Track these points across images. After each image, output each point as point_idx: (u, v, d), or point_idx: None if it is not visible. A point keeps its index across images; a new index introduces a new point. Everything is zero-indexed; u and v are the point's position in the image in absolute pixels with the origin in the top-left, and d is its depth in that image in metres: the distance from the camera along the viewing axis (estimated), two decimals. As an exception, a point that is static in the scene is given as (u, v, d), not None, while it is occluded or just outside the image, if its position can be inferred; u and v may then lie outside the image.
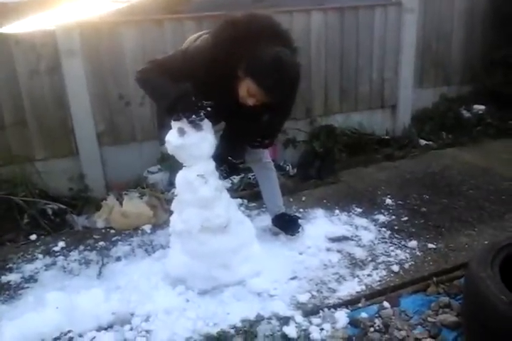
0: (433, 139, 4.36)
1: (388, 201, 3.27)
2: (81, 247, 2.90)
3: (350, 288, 2.37)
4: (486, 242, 2.68)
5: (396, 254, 2.65)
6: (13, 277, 2.62)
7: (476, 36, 4.83)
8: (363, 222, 3.01)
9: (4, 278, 2.62)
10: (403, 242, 2.77)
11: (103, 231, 3.09)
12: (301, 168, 3.86)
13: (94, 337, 2.07)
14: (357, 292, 2.34)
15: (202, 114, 2.13)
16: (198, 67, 2.10)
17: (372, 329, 2.09)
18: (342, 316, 2.16)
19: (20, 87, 3.16)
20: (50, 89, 3.24)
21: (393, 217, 3.07)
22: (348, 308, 2.24)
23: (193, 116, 2.12)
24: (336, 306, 2.25)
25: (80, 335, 2.08)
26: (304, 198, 3.39)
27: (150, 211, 3.13)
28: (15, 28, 4.33)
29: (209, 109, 2.12)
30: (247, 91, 2.11)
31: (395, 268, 2.51)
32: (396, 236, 2.85)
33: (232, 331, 2.10)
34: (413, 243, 2.74)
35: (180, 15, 3.52)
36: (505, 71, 4.66)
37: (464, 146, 4.24)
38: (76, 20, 3.25)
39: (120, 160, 3.49)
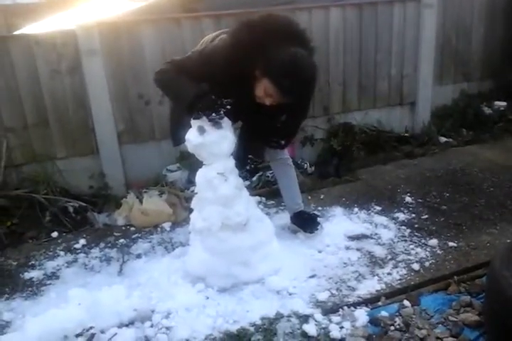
0: (453, 136, 4.31)
1: (408, 199, 3.24)
2: (102, 244, 2.94)
3: (369, 286, 2.36)
4: (508, 240, 2.63)
5: (416, 253, 2.63)
6: (35, 274, 2.68)
7: (496, 31, 4.75)
8: (382, 220, 2.99)
9: (27, 275, 2.67)
10: (423, 240, 2.74)
11: (123, 228, 3.13)
12: (320, 166, 3.85)
13: (115, 334, 2.09)
14: (377, 290, 2.33)
15: (222, 112, 2.14)
16: (216, 66, 2.11)
17: (392, 327, 2.08)
18: (362, 314, 2.15)
19: (42, 86, 3.21)
20: (71, 89, 3.28)
21: (413, 215, 3.05)
22: (367, 307, 2.23)
23: (213, 114, 2.13)
24: (355, 304, 2.24)
25: (102, 331, 2.10)
26: (322, 196, 3.38)
27: (169, 209, 3.15)
28: (35, 28, 4.41)
29: (228, 107, 2.13)
30: (264, 91, 2.12)
31: (416, 266, 2.49)
32: (416, 234, 2.82)
33: (252, 328, 2.11)
34: (433, 241, 2.71)
35: (197, 14, 3.53)
36: (527, 66, 4.59)
37: (485, 143, 4.18)
38: (95, 20, 3.28)
39: (140, 158, 3.52)
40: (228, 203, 2.32)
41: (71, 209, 3.21)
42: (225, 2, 3.66)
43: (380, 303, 2.25)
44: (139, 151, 3.53)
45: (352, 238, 2.79)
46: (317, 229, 2.79)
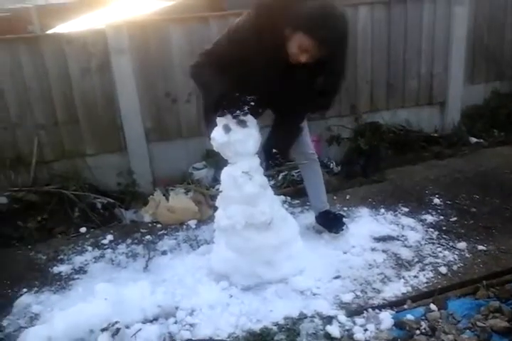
0: (484, 137, 4.21)
1: (436, 200, 3.18)
2: (128, 240, 2.98)
3: (395, 289, 2.33)
4: (540, 245, 2.57)
5: (444, 256, 2.58)
6: (64, 268, 2.74)
7: (531, 29, 4.61)
8: (409, 221, 2.95)
9: (56, 269, 2.73)
10: (451, 243, 2.69)
11: (150, 225, 3.17)
12: (346, 166, 3.81)
13: (140, 329, 2.12)
14: (402, 293, 2.29)
15: (246, 108, 2.13)
16: (245, 41, 2.11)
17: (418, 331, 2.04)
18: (387, 317, 2.12)
19: (72, 85, 3.27)
20: (100, 87, 3.33)
21: (441, 217, 2.99)
22: (393, 309, 2.20)
23: (238, 111, 2.13)
24: (380, 307, 2.22)
25: (127, 326, 2.12)
26: (348, 196, 3.34)
27: (195, 206, 3.18)
28: (67, 27, 4.49)
29: (252, 103, 2.12)
30: (299, 46, 2.06)
31: (443, 269, 2.44)
32: (444, 236, 2.77)
33: (275, 328, 2.11)
34: (462, 244, 2.65)
35: (224, 12, 3.54)
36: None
37: (517, 144, 4.07)
38: (124, 19, 3.33)
39: (166, 156, 3.55)
40: (252, 202, 2.32)
41: (99, 206, 3.27)
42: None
43: (405, 306, 2.21)
44: (166, 149, 3.56)
45: (378, 239, 2.76)
46: (342, 230, 2.76)
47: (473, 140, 4.17)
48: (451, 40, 4.10)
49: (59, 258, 2.85)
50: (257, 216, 2.30)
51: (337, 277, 2.44)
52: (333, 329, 2.06)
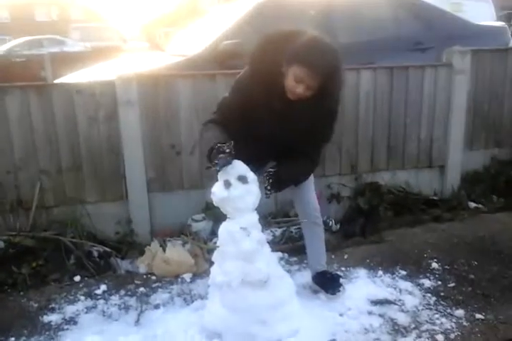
0: (483, 202, 4.23)
1: (434, 265, 3.16)
2: (122, 292, 2.94)
3: (391, 356, 2.27)
4: (540, 316, 2.53)
5: (441, 323, 2.53)
6: (54, 317, 2.68)
7: (529, 98, 4.75)
8: (407, 285, 2.91)
9: (46, 318, 2.67)
10: (449, 310, 2.65)
11: (144, 277, 3.13)
12: (345, 225, 3.81)
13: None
14: (398, 361, 2.24)
15: (229, 151, 2.14)
16: (245, 85, 2.27)
17: None
18: (381, 386, 2.06)
19: (79, 133, 3.34)
20: (106, 137, 3.41)
21: (439, 282, 2.95)
22: (388, 378, 2.13)
23: (223, 163, 2.15)
24: (375, 375, 2.15)
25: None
26: (346, 256, 3.32)
27: (191, 260, 3.15)
28: (77, 76, 4.65)
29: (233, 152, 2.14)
30: (294, 78, 2.13)
31: (440, 337, 2.39)
32: (442, 303, 2.73)
33: None
34: (460, 312, 2.61)
35: (231, 71, 3.66)
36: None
37: (516, 211, 4.08)
38: (135, 72, 3.45)
39: (167, 206, 3.57)
40: (249, 258, 2.31)
41: (95, 254, 3.24)
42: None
43: (401, 375, 2.15)
44: (167, 199, 3.59)
45: (375, 302, 2.72)
46: (339, 291, 2.73)
47: (472, 205, 4.18)
48: (452, 107, 4.21)
49: (50, 306, 2.79)
50: (253, 274, 2.28)
51: (332, 340, 2.38)
52: None
